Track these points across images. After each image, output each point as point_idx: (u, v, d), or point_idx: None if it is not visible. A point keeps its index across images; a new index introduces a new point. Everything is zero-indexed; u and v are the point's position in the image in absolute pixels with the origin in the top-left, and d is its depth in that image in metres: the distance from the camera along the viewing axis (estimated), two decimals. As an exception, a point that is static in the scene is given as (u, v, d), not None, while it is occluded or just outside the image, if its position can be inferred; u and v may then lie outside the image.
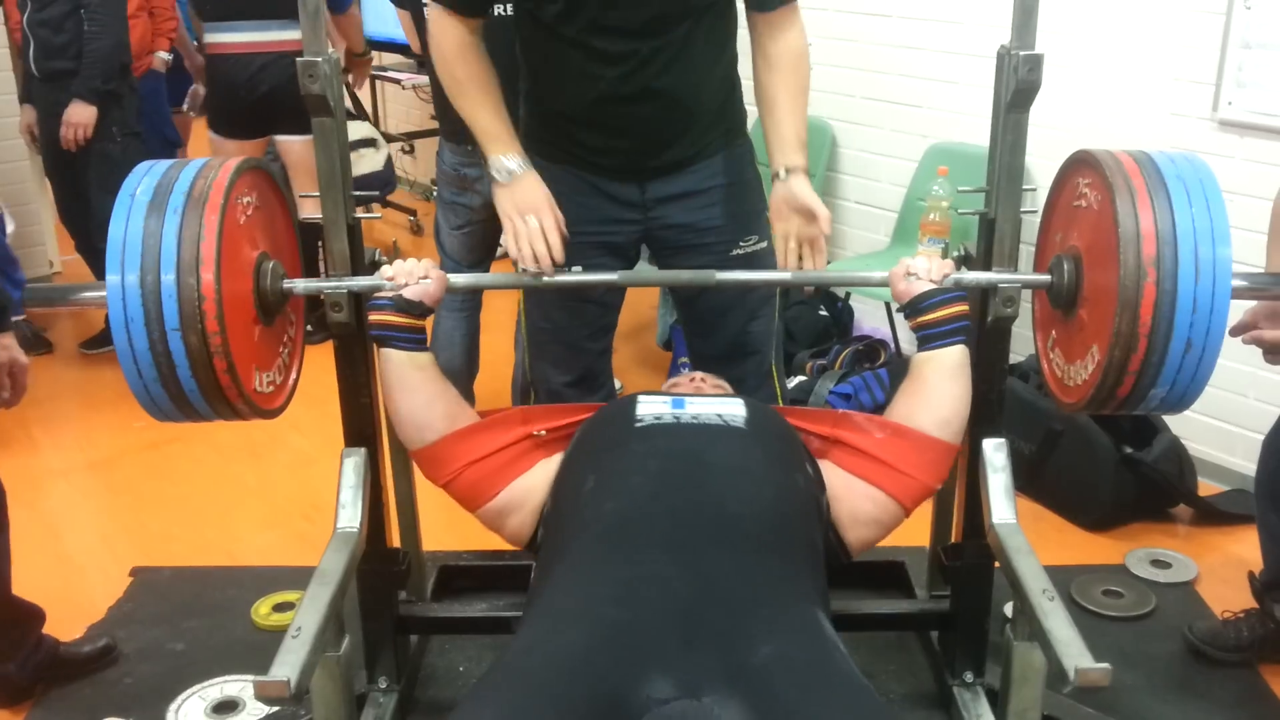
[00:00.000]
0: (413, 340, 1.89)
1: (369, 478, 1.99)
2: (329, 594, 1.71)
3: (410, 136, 6.24)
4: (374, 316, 1.90)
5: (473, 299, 3.40)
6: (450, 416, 1.91)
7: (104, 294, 1.65)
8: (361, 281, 1.93)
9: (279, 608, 2.67)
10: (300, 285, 1.88)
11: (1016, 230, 1.93)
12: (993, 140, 1.93)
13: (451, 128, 3.28)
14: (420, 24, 3.33)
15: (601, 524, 1.68)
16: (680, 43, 2.07)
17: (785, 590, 1.60)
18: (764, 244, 2.24)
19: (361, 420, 2.03)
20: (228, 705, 2.37)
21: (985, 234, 1.96)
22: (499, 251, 3.49)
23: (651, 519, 1.67)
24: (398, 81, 5.62)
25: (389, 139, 6.32)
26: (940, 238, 3.48)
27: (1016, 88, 1.82)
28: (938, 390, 1.88)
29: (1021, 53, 1.79)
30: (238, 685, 2.41)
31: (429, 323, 1.96)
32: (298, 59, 1.79)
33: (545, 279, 2.03)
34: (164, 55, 4.49)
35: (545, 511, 1.86)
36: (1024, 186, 1.91)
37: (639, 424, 1.85)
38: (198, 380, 1.67)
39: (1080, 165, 1.84)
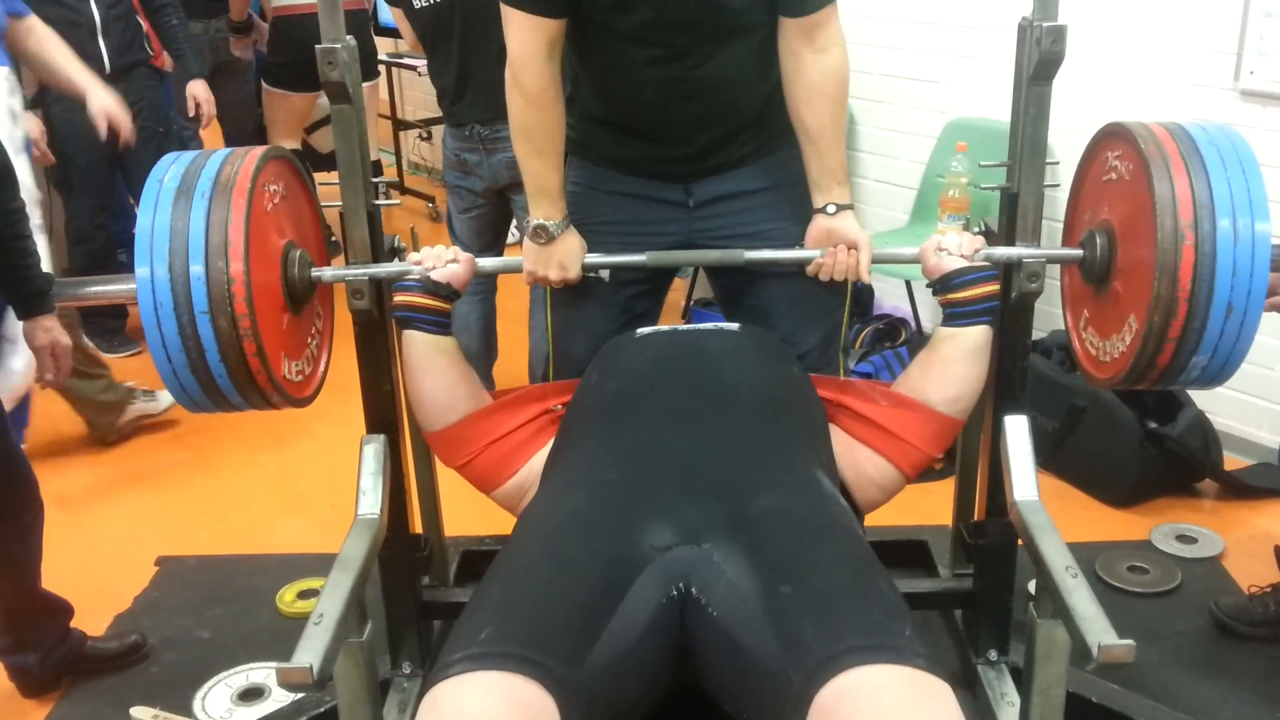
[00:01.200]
0: (437, 323, 1.89)
1: (389, 464, 1.99)
2: (350, 580, 1.70)
3: (427, 123, 6.23)
4: (399, 298, 1.89)
5: (487, 283, 3.40)
6: (472, 399, 1.92)
7: (131, 287, 1.65)
8: (388, 268, 1.93)
9: (304, 595, 2.68)
10: (328, 273, 1.88)
11: (1039, 204, 1.91)
12: (1014, 114, 1.91)
13: (451, 110, 3.27)
14: (412, 17, 3.32)
15: (603, 403, 1.77)
16: (729, 46, 1.99)
17: (785, 450, 1.65)
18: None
19: (382, 406, 2.03)
20: (254, 692, 2.39)
21: (1008, 208, 1.94)
22: (510, 238, 3.51)
23: (652, 391, 1.76)
24: (414, 68, 5.60)
25: (406, 125, 6.33)
26: (960, 214, 3.45)
27: (1039, 60, 1.79)
28: (953, 368, 1.87)
29: (1044, 24, 1.77)
30: (264, 672, 2.43)
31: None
32: (317, 46, 1.80)
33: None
34: None
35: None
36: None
37: (639, 337, 1.98)
38: (227, 365, 1.67)
39: (1109, 138, 1.81)
